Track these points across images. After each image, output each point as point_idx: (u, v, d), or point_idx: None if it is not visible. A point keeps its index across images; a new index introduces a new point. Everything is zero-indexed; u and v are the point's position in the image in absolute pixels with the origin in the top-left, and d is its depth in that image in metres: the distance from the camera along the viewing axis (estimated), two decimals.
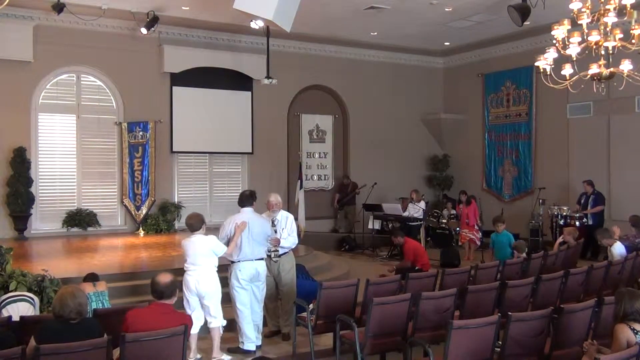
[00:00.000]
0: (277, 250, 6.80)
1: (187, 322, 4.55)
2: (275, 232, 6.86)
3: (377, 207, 13.46)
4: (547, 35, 8.09)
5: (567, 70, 7.21)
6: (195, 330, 5.87)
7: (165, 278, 4.69)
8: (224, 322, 6.20)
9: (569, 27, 6.95)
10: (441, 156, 16.46)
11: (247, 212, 6.60)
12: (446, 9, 12.04)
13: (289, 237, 6.98)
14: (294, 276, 7.10)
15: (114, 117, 12.89)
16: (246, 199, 6.69)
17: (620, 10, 6.63)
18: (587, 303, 5.07)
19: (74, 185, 12.55)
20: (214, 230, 6.67)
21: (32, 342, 3.84)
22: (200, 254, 6.05)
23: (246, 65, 13.75)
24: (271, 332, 7.03)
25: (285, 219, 7.06)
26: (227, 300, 6.66)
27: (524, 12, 10.04)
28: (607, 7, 6.57)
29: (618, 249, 8.08)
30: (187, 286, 6.06)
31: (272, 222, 6.88)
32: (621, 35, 6.65)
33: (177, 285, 4.69)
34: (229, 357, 6.17)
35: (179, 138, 13.30)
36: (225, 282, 6.67)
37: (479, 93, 15.70)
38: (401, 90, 16.03)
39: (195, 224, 6.19)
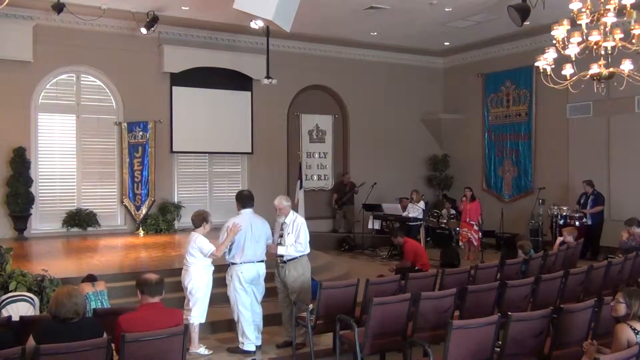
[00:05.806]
0: (282, 255, 6.48)
1: (179, 317, 4.61)
2: (281, 236, 6.50)
3: (377, 207, 13.46)
4: (547, 35, 8.07)
5: (567, 70, 7.20)
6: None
7: (153, 276, 4.70)
8: (202, 320, 6.33)
9: (569, 27, 6.94)
10: (441, 156, 16.46)
11: (248, 214, 6.50)
12: (446, 9, 12.03)
13: (289, 246, 6.41)
14: (303, 285, 6.49)
15: (114, 117, 12.89)
16: (247, 199, 6.56)
17: (620, 10, 6.61)
18: (587, 303, 5.06)
19: (74, 185, 12.54)
20: (215, 231, 6.64)
21: (31, 341, 3.83)
22: (188, 251, 6.24)
23: (246, 65, 13.73)
24: (285, 342, 6.56)
25: (292, 222, 6.52)
26: (226, 300, 6.64)
27: (523, 12, 10.03)
28: (607, 7, 6.55)
29: None
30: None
31: (281, 225, 6.57)
32: (621, 35, 6.64)
33: (164, 282, 4.74)
34: (208, 352, 6.27)
35: (178, 138, 13.29)
36: (221, 282, 6.65)
37: (479, 93, 15.69)
38: (401, 90, 16.02)
39: (196, 221, 6.40)
